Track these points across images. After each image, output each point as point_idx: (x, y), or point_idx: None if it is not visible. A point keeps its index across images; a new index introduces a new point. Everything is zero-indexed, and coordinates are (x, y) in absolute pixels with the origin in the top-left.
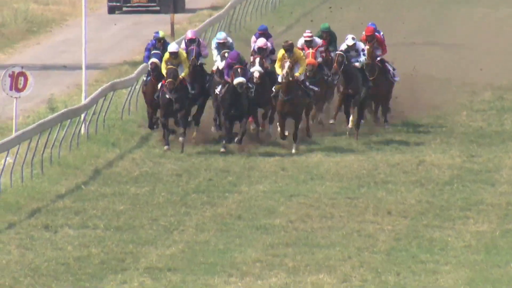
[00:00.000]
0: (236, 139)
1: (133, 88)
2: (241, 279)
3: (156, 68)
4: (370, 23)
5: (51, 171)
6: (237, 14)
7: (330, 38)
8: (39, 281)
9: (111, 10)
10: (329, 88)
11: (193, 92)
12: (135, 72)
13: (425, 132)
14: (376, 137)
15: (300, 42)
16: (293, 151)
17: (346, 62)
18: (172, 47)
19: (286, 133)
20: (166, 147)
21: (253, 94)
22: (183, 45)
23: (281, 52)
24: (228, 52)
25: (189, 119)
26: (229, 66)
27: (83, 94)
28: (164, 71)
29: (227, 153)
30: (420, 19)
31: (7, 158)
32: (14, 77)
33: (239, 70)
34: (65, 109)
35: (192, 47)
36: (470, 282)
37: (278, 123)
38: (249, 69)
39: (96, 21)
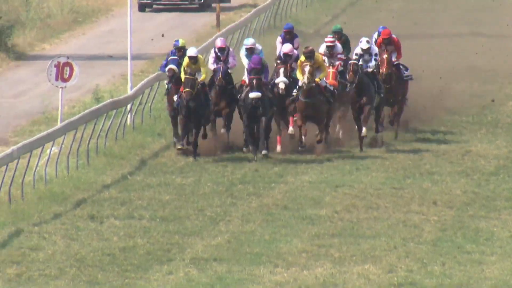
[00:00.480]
0: (263, 152)
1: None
2: (286, 269)
3: (174, 74)
4: (381, 27)
5: (97, 162)
6: (283, 5)
7: (341, 40)
8: (84, 272)
9: (142, 8)
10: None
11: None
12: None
13: (471, 122)
14: (422, 128)
15: (322, 48)
16: (317, 153)
17: (360, 71)
18: (191, 51)
19: (304, 139)
20: (179, 145)
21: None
22: (212, 53)
23: (301, 58)
24: None
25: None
26: (249, 72)
27: (129, 84)
28: (183, 78)
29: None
30: (465, 9)
31: (53, 148)
32: (60, 67)
33: (255, 82)
34: (111, 99)
35: (219, 65)
36: None
37: (296, 126)
38: (273, 76)
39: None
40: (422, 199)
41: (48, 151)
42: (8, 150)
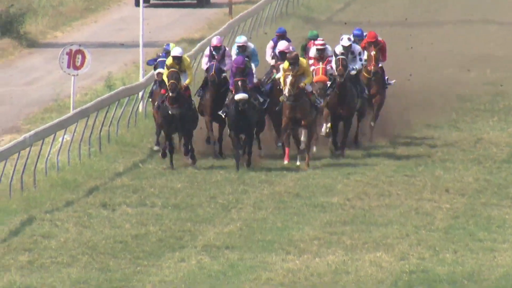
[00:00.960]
0: (246, 163)
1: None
2: (298, 256)
3: (162, 80)
4: (356, 29)
5: (109, 149)
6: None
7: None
8: (96, 259)
9: (138, 3)
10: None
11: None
12: (193, 49)
13: (483, 110)
14: (434, 116)
15: (312, 51)
16: (298, 163)
17: (348, 67)
18: (175, 51)
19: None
20: (155, 146)
21: (265, 106)
22: (207, 51)
23: (285, 64)
24: (247, 57)
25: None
26: (234, 74)
27: (141, 72)
28: (165, 77)
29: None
30: None
31: (65, 136)
32: (71, 55)
33: (240, 83)
34: (123, 87)
35: (212, 62)
36: None
37: (282, 130)
38: (266, 78)
39: None
40: (434, 186)
41: (60, 138)
42: (20, 138)
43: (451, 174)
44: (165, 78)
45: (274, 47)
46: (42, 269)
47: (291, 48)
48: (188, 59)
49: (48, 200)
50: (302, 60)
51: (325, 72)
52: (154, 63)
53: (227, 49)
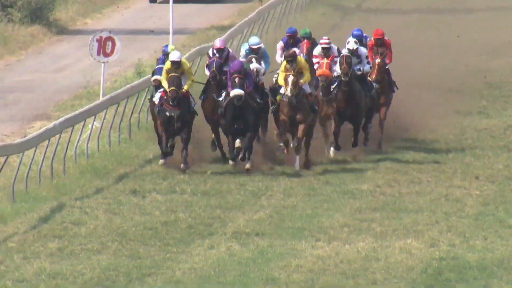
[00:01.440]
0: (240, 156)
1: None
2: (328, 243)
3: (160, 85)
4: (356, 29)
5: (139, 136)
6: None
7: (311, 46)
8: (126, 246)
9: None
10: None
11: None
12: (223, 36)
13: None
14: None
15: (317, 50)
16: (296, 165)
17: (353, 68)
18: (174, 55)
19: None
20: (161, 160)
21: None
22: (210, 54)
23: (283, 64)
24: (255, 58)
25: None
26: (231, 78)
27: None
28: (164, 82)
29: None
30: None
31: (95, 123)
32: (101, 42)
33: (237, 80)
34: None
35: (213, 58)
36: None
37: (279, 131)
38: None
39: None
40: (464, 173)
41: (90, 125)
42: (50, 125)
43: (481, 161)
44: (164, 83)
45: (284, 48)
46: (72, 256)
47: (297, 51)
48: (188, 63)
49: (78, 187)
50: (300, 58)
51: (329, 67)
52: (153, 73)
53: (231, 51)
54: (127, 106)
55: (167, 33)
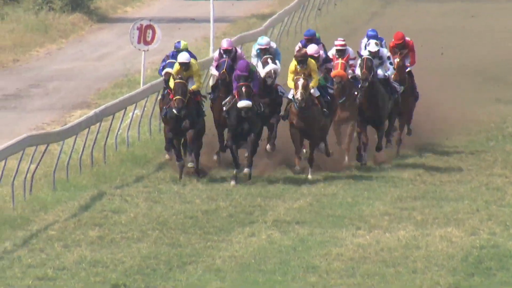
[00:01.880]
0: (244, 171)
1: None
2: (369, 232)
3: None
4: (371, 30)
5: None
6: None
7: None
8: (167, 234)
9: None
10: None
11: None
12: (263, 25)
13: None
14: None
15: (332, 51)
16: (309, 176)
17: (375, 71)
18: (182, 57)
19: (303, 152)
20: (176, 160)
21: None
22: (216, 54)
23: (293, 64)
24: (270, 58)
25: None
26: (237, 80)
27: (211, 47)
28: (172, 85)
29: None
30: None
31: (135, 111)
32: (142, 30)
33: (244, 89)
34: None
35: (223, 59)
36: None
37: (293, 140)
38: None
39: None
40: (505, 162)
41: (130, 114)
42: (91, 113)
43: None
44: (171, 83)
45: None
46: (112, 244)
47: (321, 52)
48: (197, 65)
49: (118, 175)
50: (311, 60)
51: (344, 67)
52: (163, 69)
53: (239, 51)
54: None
55: (208, 21)
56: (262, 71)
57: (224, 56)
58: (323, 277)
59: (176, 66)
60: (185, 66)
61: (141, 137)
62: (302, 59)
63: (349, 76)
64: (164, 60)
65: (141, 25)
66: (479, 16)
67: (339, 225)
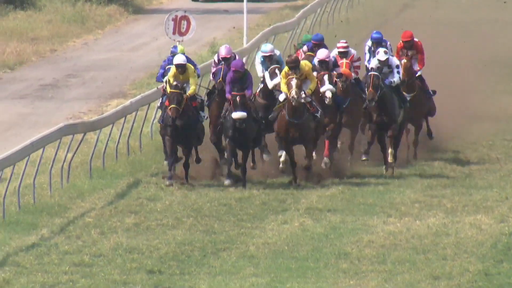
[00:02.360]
0: (241, 169)
1: (294, 32)
2: (399, 219)
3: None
4: (375, 32)
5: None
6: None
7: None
8: (201, 222)
9: None
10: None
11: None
12: (296, 16)
13: None
14: None
15: (334, 53)
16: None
17: (382, 85)
18: (178, 58)
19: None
20: (167, 181)
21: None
22: (215, 58)
23: (285, 69)
24: (278, 68)
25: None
26: (231, 81)
27: (244, 38)
28: (168, 88)
29: None
30: None
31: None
32: (177, 21)
33: (238, 99)
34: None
35: (220, 66)
36: None
37: (283, 151)
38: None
39: None
40: None
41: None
42: (127, 103)
43: None
44: (168, 88)
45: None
46: (148, 231)
47: (331, 56)
48: (193, 68)
49: (153, 163)
50: (305, 63)
51: (349, 67)
52: (162, 75)
53: (237, 57)
54: (201, 83)
55: (241, 12)
56: (270, 83)
57: (222, 63)
58: (354, 263)
59: (173, 69)
60: (181, 68)
61: None
62: (293, 65)
63: (353, 77)
64: (162, 67)
65: (176, 16)
66: (510, 3)
67: (370, 213)
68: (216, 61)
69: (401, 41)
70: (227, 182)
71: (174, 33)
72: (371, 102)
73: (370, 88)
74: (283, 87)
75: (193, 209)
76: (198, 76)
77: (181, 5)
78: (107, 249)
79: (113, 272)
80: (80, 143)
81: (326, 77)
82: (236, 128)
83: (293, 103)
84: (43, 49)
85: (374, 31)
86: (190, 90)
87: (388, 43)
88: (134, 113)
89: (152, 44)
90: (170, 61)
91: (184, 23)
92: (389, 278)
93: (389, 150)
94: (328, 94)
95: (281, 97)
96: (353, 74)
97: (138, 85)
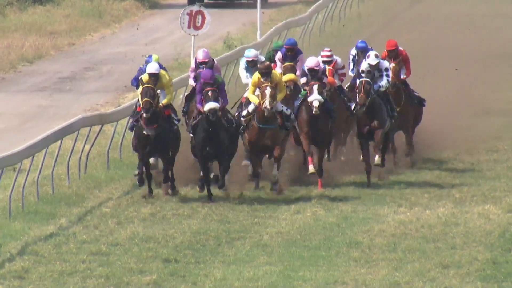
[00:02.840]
0: (218, 184)
1: (306, 26)
2: (410, 209)
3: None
4: (360, 41)
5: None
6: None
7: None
8: (216, 211)
9: (191, 0)
10: (351, 115)
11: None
12: (308, 11)
13: None
14: None
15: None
16: (276, 192)
17: (373, 91)
18: (151, 67)
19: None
20: (148, 195)
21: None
22: (192, 65)
23: (255, 76)
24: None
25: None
26: (202, 90)
27: (258, 32)
28: (139, 93)
29: None
30: None
31: (185, 93)
32: (192, 16)
33: (210, 93)
34: (241, 46)
35: (200, 70)
36: None
37: (249, 159)
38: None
39: None
40: None
41: (181, 96)
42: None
43: None
44: (138, 94)
45: (282, 60)
46: (164, 221)
47: (321, 65)
48: (167, 76)
49: None
50: (275, 72)
51: (332, 73)
52: (136, 79)
53: (215, 62)
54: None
55: (255, 7)
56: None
57: (201, 67)
58: (365, 252)
59: (145, 77)
60: (154, 77)
61: None
62: (266, 71)
63: (337, 84)
64: (135, 78)
65: (191, 10)
66: None
67: (381, 203)
68: (194, 66)
69: (385, 50)
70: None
71: (189, 27)
72: (362, 107)
73: (362, 93)
74: (252, 96)
75: (208, 198)
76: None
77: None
78: (124, 238)
79: (130, 260)
80: (97, 135)
81: (315, 87)
82: (208, 136)
83: (266, 114)
84: (61, 43)
85: (359, 40)
86: (165, 100)
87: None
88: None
89: (168, 38)
90: (143, 71)
91: (199, 18)
92: (399, 266)
93: (376, 157)
94: (316, 104)
95: (251, 108)
96: (337, 81)
97: None
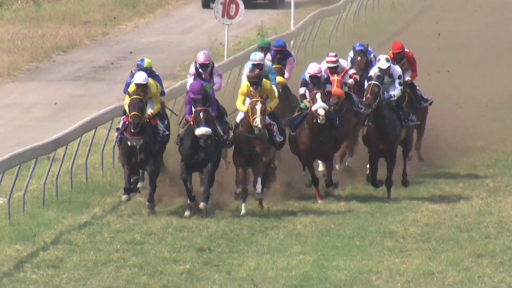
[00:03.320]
0: (201, 203)
1: (340, 15)
2: (443, 198)
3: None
4: (358, 44)
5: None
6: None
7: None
8: (250, 201)
9: (206, 4)
10: (359, 122)
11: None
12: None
13: None
14: None
15: (323, 67)
16: (243, 211)
17: (382, 97)
18: (139, 77)
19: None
20: (124, 196)
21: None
22: (192, 69)
23: (245, 85)
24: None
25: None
26: (190, 102)
27: (292, 21)
28: (126, 107)
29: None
30: None
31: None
32: (225, 5)
33: (201, 115)
34: (274, 36)
35: (196, 81)
36: None
37: (236, 170)
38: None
39: None
40: None
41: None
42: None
43: None
44: (126, 106)
45: (272, 61)
46: (198, 210)
47: (323, 72)
48: (155, 86)
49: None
50: (265, 81)
51: (341, 84)
52: (128, 86)
53: (215, 66)
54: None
55: None
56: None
57: (200, 70)
58: (399, 241)
59: (132, 88)
60: (142, 87)
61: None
62: (256, 80)
63: (345, 90)
64: (126, 84)
65: (225, 0)
66: None
67: (415, 193)
68: (193, 71)
69: (391, 52)
70: (187, 213)
71: (223, 16)
72: (367, 107)
73: (369, 95)
74: (240, 106)
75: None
76: (163, 94)
77: None
78: (158, 227)
79: (164, 250)
80: None
81: (318, 95)
82: (196, 147)
83: (256, 132)
84: (95, 32)
85: (357, 44)
86: (153, 110)
87: (372, 54)
88: (184, 95)
89: (201, 27)
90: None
91: (233, 7)
92: (433, 256)
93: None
94: (321, 112)
95: (238, 118)
96: (346, 88)
97: (187, 67)
